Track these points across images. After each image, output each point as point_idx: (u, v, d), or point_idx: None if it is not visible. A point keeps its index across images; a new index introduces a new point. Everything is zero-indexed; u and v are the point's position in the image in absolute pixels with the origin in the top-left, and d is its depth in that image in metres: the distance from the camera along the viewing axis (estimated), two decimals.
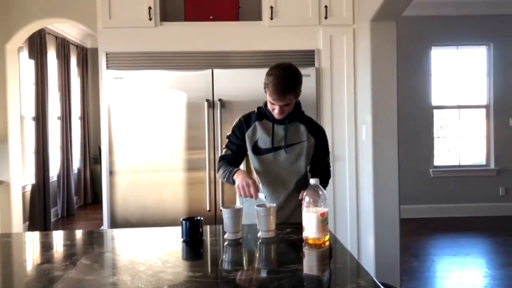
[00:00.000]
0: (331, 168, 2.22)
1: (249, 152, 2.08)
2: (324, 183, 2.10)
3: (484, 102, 5.83)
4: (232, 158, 2.10)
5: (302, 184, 2.05)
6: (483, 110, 5.84)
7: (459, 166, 5.86)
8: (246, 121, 2.10)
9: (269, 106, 2.02)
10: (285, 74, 1.94)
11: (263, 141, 2.05)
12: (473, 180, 5.72)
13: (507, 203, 5.71)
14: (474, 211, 5.64)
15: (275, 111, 1.99)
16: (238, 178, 1.92)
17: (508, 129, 5.73)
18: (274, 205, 1.84)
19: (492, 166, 5.75)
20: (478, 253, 4.31)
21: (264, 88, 1.99)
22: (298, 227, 1.77)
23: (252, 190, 1.87)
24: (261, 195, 1.92)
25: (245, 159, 2.16)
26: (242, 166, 2.16)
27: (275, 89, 1.92)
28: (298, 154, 2.05)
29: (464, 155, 5.93)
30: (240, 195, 1.95)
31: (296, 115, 2.08)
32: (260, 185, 2.06)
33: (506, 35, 5.68)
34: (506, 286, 3.48)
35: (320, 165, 2.14)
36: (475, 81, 5.86)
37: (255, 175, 2.08)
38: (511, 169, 5.71)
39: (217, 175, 2.16)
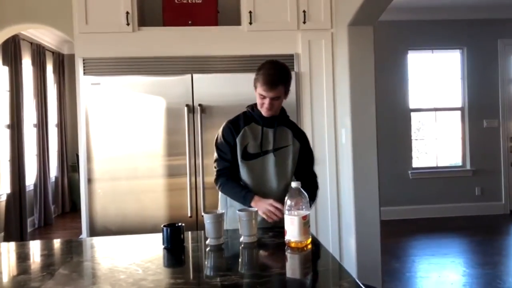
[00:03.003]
0: (317, 179, 2.18)
1: (238, 158, 2.04)
2: (313, 195, 2.06)
3: (459, 104, 5.97)
4: (231, 171, 2.05)
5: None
6: (458, 113, 5.97)
7: (437, 167, 5.97)
8: (234, 126, 2.06)
9: (258, 102, 2.00)
10: (276, 67, 1.98)
11: (252, 146, 2.04)
12: (450, 181, 5.83)
13: (482, 203, 5.84)
14: (451, 211, 5.76)
15: (265, 105, 1.97)
16: (259, 206, 1.90)
17: (482, 131, 5.87)
18: (256, 209, 1.84)
19: (468, 167, 5.88)
20: (456, 253, 4.39)
21: (254, 84, 1.99)
22: (280, 230, 1.77)
23: (279, 213, 1.86)
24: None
25: None
26: None
27: (266, 79, 1.93)
28: (285, 158, 2.06)
29: (441, 157, 6.04)
30: (270, 221, 1.91)
31: (283, 120, 2.09)
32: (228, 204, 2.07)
33: (478, 40, 5.84)
34: (483, 284, 3.56)
35: (305, 174, 2.11)
36: (450, 84, 6.00)
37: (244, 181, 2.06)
38: (486, 170, 5.86)
39: (219, 191, 2.11)
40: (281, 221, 1.77)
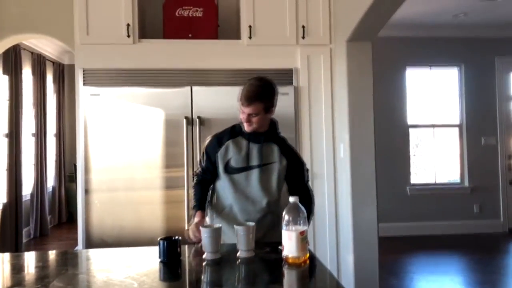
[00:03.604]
0: (312, 193, 2.14)
1: (220, 171, 2.04)
2: (308, 210, 2.00)
3: (457, 121, 5.99)
4: (204, 179, 2.11)
5: (275, 206, 2.04)
6: (456, 129, 5.99)
7: (435, 184, 5.97)
8: (218, 140, 2.07)
9: (240, 117, 2.00)
10: (258, 83, 1.98)
11: (236, 160, 2.02)
12: (448, 198, 5.82)
13: (481, 220, 5.82)
14: (449, 229, 5.73)
15: (243, 119, 1.98)
16: (190, 227, 1.97)
17: (480, 148, 5.88)
18: (253, 224, 1.83)
19: (466, 184, 5.88)
20: (455, 271, 4.36)
21: (238, 98, 2.00)
22: (276, 246, 1.75)
23: (193, 238, 1.93)
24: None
25: None
26: None
27: (244, 93, 1.95)
28: (270, 175, 2.03)
29: (440, 173, 6.04)
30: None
31: (271, 136, 2.07)
32: (215, 217, 2.09)
33: (476, 57, 5.88)
34: None
35: (299, 190, 2.03)
36: (448, 101, 6.02)
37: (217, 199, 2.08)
38: (484, 187, 5.85)
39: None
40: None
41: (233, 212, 2.04)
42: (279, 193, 2.07)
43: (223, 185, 2.06)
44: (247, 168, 2.02)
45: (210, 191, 2.15)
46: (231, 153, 2.03)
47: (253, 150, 2.02)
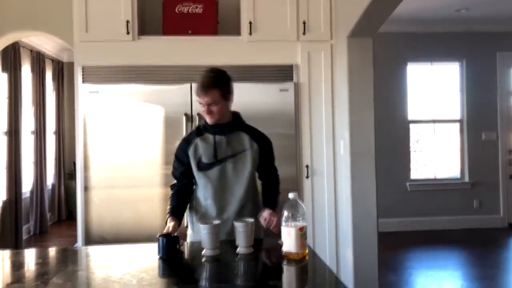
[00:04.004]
0: (278, 173, 2.22)
1: (194, 170, 2.05)
2: (277, 190, 2.15)
3: (457, 116, 5.97)
4: (179, 188, 2.11)
5: (253, 193, 2.08)
6: (457, 125, 5.98)
7: (435, 179, 5.96)
8: (186, 142, 2.09)
9: (201, 110, 2.03)
10: (212, 74, 2.02)
11: (206, 156, 2.03)
12: (449, 193, 5.81)
13: (481, 216, 5.82)
14: (449, 224, 5.73)
15: (204, 112, 1.99)
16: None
17: (481, 143, 5.87)
18: (253, 220, 1.83)
19: (466, 179, 5.87)
20: (454, 266, 4.36)
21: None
22: (275, 242, 1.75)
23: None
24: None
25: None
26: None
27: (200, 84, 1.98)
28: (243, 163, 2.04)
29: (440, 169, 6.04)
30: None
31: (236, 125, 2.08)
32: (195, 220, 2.09)
33: (477, 53, 5.87)
34: None
35: (269, 171, 2.16)
36: (449, 96, 6.01)
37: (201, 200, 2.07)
38: (484, 182, 5.84)
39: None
40: None
41: (209, 211, 2.05)
42: (255, 178, 2.12)
43: (200, 185, 2.07)
44: (219, 161, 2.02)
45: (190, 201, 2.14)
46: (200, 150, 2.04)
47: (220, 143, 2.04)
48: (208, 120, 2.02)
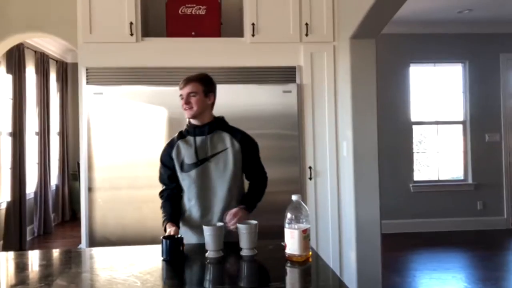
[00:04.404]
0: (266, 173, 2.22)
1: (178, 172, 2.08)
2: (263, 191, 2.16)
3: (460, 118, 5.96)
4: (169, 194, 2.13)
5: (238, 194, 2.09)
6: (460, 126, 5.97)
7: (438, 181, 5.95)
8: (170, 146, 2.13)
9: (182, 107, 2.06)
10: (196, 73, 2.11)
11: (188, 157, 2.06)
12: (452, 195, 5.80)
13: (484, 217, 5.80)
14: (453, 226, 5.72)
15: (183, 105, 2.04)
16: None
17: (484, 145, 5.86)
18: (256, 222, 1.83)
19: (470, 180, 5.86)
20: (457, 268, 4.35)
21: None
22: (279, 244, 1.75)
23: None
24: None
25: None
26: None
27: (183, 79, 2.06)
28: (226, 162, 2.06)
29: (443, 170, 6.02)
30: None
31: (217, 126, 2.11)
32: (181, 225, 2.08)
33: (480, 54, 5.85)
34: None
35: (254, 173, 2.16)
36: (452, 97, 6.00)
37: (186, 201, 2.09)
38: (488, 184, 5.83)
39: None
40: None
41: (193, 212, 2.07)
42: (240, 178, 2.12)
43: (184, 187, 2.09)
44: (200, 161, 2.05)
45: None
46: (183, 151, 2.08)
47: (201, 143, 2.06)
48: (186, 114, 2.06)
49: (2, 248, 4.98)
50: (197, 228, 2.03)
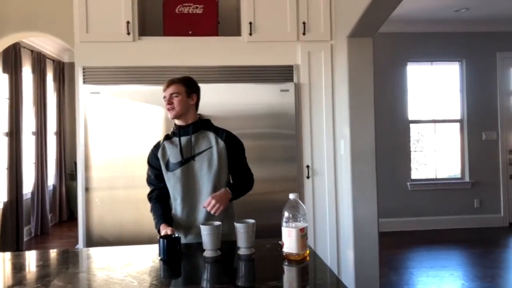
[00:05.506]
0: (251, 174, 2.22)
1: (164, 172, 2.10)
2: (247, 190, 2.15)
3: (458, 116, 5.98)
4: (157, 194, 2.14)
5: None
6: (457, 125, 5.98)
7: (436, 179, 5.96)
8: (156, 147, 2.17)
9: (164, 106, 2.10)
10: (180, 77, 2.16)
11: (173, 156, 2.09)
12: (449, 193, 5.82)
13: (481, 215, 5.82)
14: (450, 224, 5.74)
15: (166, 105, 2.08)
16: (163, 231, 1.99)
17: (481, 143, 5.88)
18: (253, 221, 1.83)
19: (467, 179, 5.87)
20: (455, 266, 4.36)
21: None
22: (276, 243, 1.75)
23: None
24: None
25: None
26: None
27: (166, 82, 2.11)
28: (210, 160, 2.07)
29: (440, 169, 6.04)
30: None
31: (203, 126, 2.13)
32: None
33: (477, 53, 5.87)
34: None
35: (239, 173, 2.16)
36: (449, 96, 6.01)
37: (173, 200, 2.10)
38: (485, 182, 5.85)
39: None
40: None
41: (178, 211, 2.08)
42: (226, 176, 2.12)
43: (170, 186, 2.10)
44: (185, 160, 2.07)
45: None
46: (168, 151, 2.11)
47: (186, 142, 2.09)
48: (169, 114, 2.09)
49: None
50: (183, 228, 2.05)
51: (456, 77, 5.98)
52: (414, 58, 5.85)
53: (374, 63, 3.20)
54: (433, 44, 5.78)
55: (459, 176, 5.96)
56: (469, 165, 5.87)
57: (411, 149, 5.87)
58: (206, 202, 1.98)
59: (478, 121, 5.87)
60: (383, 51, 5.40)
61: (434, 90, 5.99)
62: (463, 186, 5.86)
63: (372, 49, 3.19)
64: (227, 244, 1.88)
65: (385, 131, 5.42)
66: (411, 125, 5.88)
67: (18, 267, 1.77)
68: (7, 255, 1.94)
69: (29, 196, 5.73)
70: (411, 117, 5.85)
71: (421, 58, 5.87)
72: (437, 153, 6.05)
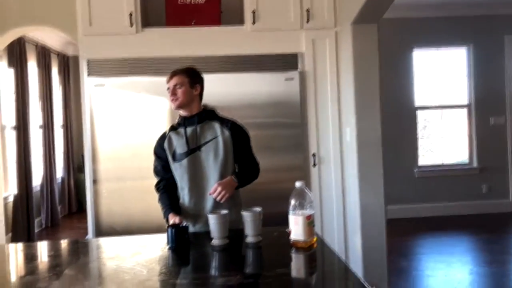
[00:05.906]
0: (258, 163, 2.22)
1: (170, 162, 2.11)
2: (253, 179, 2.16)
3: (465, 102, 5.92)
4: (165, 184, 2.16)
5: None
6: (465, 110, 5.93)
7: (443, 165, 5.93)
8: (162, 138, 2.18)
9: (169, 98, 2.11)
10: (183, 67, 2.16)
11: (179, 146, 2.10)
12: (457, 179, 5.79)
13: (489, 201, 5.80)
14: (458, 210, 5.72)
15: (170, 97, 2.09)
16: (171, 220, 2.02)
17: (489, 128, 5.83)
18: (260, 209, 1.84)
19: (475, 164, 5.84)
20: (463, 251, 4.36)
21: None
22: (283, 231, 1.76)
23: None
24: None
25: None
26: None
27: (169, 73, 2.12)
28: (216, 150, 2.08)
29: (447, 155, 6.01)
30: None
31: (208, 116, 2.14)
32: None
33: (485, 36, 5.79)
34: (491, 283, 3.53)
35: (245, 162, 2.16)
36: (456, 81, 5.95)
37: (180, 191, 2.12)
38: (493, 167, 5.81)
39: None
40: None
41: (186, 201, 2.10)
42: (233, 165, 2.13)
43: (177, 177, 2.12)
44: (192, 150, 2.08)
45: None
46: (174, 142, 2.12)
47: (191, 133, 2.10)
48: (172, 105, 2.10)
49: (11, 240, 5.04)
50: (191, 217, 2.06)
51: (463, 62, 5.91)
52: (420, 44, 5.78)
53: (379, 49, 3.17)
54: (439, 28, 5.70)
55: (467, 161, 5.93)
56: (477, 150, 5.83)
57: (418, 136, 5.84)
58: (212, 189, 2.00)
59: (486, 106, 5.81)
60: (388, 37, 5.33)
61: (441, 76, 5.93)
62: (471, 171, 5.83)
63: (377, 35, 3.16)
64: (234, 232, 1.90)
65: (392, 118, 5.38)
66: (418, 112, 5.84)
67: (30, 258, 1.80)
68: (19, 246, 1.98)
69: (38, 188, 5.79)
70: (417, 103, 5.81)
71: (427, 43, 5.80)
72: (444, 139, 6.01)
